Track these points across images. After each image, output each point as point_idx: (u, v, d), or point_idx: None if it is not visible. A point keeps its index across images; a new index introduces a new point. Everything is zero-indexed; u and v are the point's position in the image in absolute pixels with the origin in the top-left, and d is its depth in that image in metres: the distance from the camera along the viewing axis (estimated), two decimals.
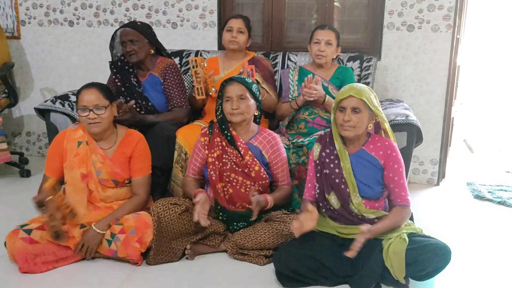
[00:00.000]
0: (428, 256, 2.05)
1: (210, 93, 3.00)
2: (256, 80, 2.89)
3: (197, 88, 2.96)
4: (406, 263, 2.06)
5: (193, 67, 2.92)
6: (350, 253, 2.10)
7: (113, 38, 3.07)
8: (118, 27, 3.13)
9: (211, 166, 2.52)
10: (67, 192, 2.44)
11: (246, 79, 2.52)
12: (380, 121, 2.31)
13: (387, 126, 2.33)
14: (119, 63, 3.04)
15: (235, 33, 3.12)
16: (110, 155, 2.50)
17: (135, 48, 2.91)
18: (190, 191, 2.50)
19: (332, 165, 2.31)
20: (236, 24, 3.14)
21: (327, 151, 2.34)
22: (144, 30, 2.96)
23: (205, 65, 2.95)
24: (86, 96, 2.40)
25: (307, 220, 2.17)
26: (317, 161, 2.36)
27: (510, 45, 6.92)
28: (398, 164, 2.26)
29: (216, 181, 2.50)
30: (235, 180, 2.50)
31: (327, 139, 2.36)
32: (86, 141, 2.47)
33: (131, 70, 3.02)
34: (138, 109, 2.91)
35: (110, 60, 3.16)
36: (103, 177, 2.47)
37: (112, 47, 3.11)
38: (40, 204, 2.24)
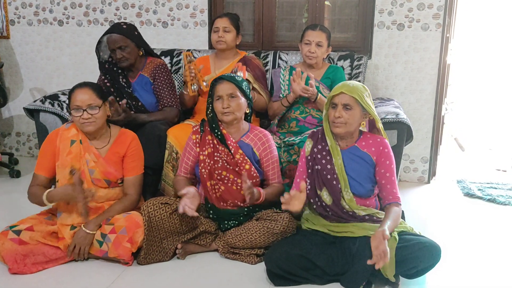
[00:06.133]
0: (418, 254, 2.06)
1: (202, 87, 2.98)
2: (247, 79, 2.89)
3: (190, 84, 2.96)
4: (396, 261, 2.07)
5: (189, 62, 2.93)
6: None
7: (99, 42, 3.02)
8: (108, 26, 3.10)
9: (202, 164, 2.52)
10: None
11: (236, 77, 2.52)
12: (375, 119, 2.31)
13: (380, 125, 2.33)
14: (106, 65, 3.02)
15: (221, 33, 3.12)
16: (104, 154, 2.49)
17: (125, 54, 2.89)
18: (180, 189, 2.46)
19: (324, 161, 2.31)
20: (221, 23, 3.14)
21: (319, 147, 2.34)
22: (131, 34, 2.92)
23: (195, 60, 2.96)
24: (79, 96, 2.37)
25: (296, 198, 2.18)
26: (309, 157, 2.37)
27: (500, 44, 6.96)
28: (390, 160, 2.27)
29: (206, 178, 2.50)
30: (226, 178, 2.49)
31: (319, 135, 2.37)
32: (80, 139, 2.45)
33: (119, 71, 3.00)
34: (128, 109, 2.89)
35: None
36: (96, 177, 2.45)
37: (98, 50, 3.06)
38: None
